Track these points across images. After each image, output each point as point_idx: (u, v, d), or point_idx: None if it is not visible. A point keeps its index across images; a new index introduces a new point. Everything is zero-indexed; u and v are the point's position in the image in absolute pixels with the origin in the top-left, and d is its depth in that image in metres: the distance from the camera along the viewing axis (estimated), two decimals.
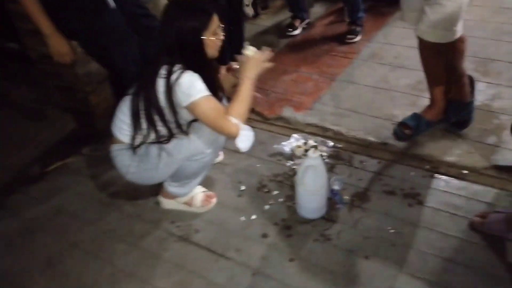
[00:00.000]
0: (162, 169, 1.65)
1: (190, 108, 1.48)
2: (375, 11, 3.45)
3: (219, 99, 1.59)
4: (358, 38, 3.11)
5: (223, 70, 1.83)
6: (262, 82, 2.73)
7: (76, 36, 1.89)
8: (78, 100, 2.40)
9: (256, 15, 3.73)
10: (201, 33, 1.48)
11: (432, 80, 2.05)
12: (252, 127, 2.35)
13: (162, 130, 1.56)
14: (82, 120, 2.47)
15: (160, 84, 1.48)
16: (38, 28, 1.79)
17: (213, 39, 1.51)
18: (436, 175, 1.91)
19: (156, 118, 1.53)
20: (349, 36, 3.11)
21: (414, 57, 2.75)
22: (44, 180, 2.18)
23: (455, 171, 1.91)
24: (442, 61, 1.94)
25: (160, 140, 1.59)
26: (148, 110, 1.52)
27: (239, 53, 1.69)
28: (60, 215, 1.96)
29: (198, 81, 1.48)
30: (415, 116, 2.19)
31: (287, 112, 2.46)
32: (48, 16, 1.77)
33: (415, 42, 2.94)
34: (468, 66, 2.54)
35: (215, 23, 1.51)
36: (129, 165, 1.66)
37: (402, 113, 2.30)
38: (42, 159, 2.30)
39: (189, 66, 1.49)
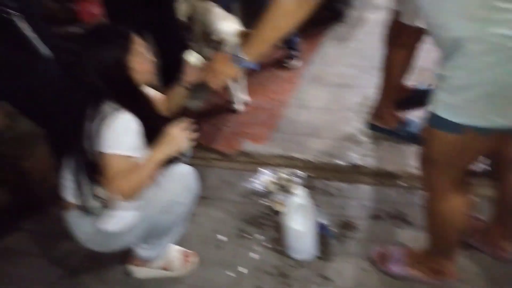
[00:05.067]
0: (132, 229, 1.43)
1: (102, 155, 1.30)
2: (304, 34, 3.50)
3: (156, 129, 1.38)
4: (296, 62, 3.12)
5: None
6: (212, 118, 2.61)
7: (5, 96, 1.61)
8: (7, 168, 2.05)
9: (189, 48, 3.59)
10: (124, 60, 1.32)
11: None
12: (213, 167, 2.25)
13: None
14: (15, 190, 2.12)
15: (91, 130, 1.30)
16: None
17: (140, 62, 1.35)
18: (412, 190, 1.91)
19: (94, 171, 1.34)
20: (287, 61, 3.11)
21: (355, 76, 2.86)
22: None
23: None
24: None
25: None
26: (85, 163, 1.34)
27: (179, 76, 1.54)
28: None
29: (131, 131, 1.30)
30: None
31: (247, 145, 2.35)
32: None
33: (352, 61, 3.08)
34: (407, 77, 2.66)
35: (137, 43, 1.35)
36: (90, 232, 1.42)
37: (361, 131, 2.32)
38: None
39: (120, 100, 1.32)
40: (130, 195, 1.32)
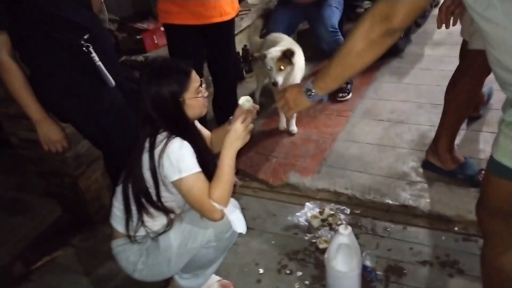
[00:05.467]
0: (175, 262, 1.43)
1: (177, 183, 1.32)
2: None
3: (207, 160, 1.43)
4: (349, 96, 3.08)
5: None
6: (261, 147, 2.61)
7: (70, 119, 1.72)
8: (65, 185, 2.17)
9: (242, 78, 3.70)
10: (180, 96, 1.35)
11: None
12: (258, 197, 2.24)
13: (156, 213, 1.39)
14: (69, 206, 2.23)
15: (145, 160, 1.34)
16: (26, 113, 1.61)
17: (195, 99, 1.38)
18: (469, 237, 1.77)
19: (144, 201, 1.37)
20: (340, 94, 3.07)
21: (410, 112, 2.76)
22: (29, 280, 1.89)
23: None
24: None
25: (166, 229, 1.40)
26: (136, 192, 1.37)
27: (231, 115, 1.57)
28: None
29: (188, 152, 1.33)
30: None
31: (294, 177, 2.31)
32: (38, 99, 1.61)
33: (407, 97, 2.99)
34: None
35: (195, 80, 1.38)
36: (136, 261, 1.44)
37: (415, 170, 2.21)
38: (26, 255, 2.02)
39: (173, 131, 1.35)
40: (227, 199, 1.37)
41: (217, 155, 1.55)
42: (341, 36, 3.02)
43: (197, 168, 1.33)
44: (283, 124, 2.79)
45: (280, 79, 2.45)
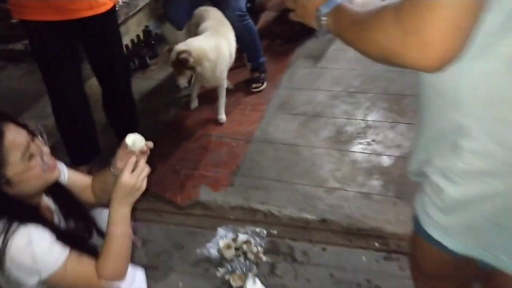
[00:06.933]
0: None
1: (45, 281, 1.01)
2: (273, 50, 3.25)
3: (83, 231, 1.20)
4: (264, 86, 2.85)
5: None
6: (166, 156, 2.31)
7: None
8: None
9: (146, 66, 3.30)
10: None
11: None
12: (164, 222, 1.96)
13: None
14: None
15: None
16: None
17: (25, 171, 1.00)
18: (389, 255, 1.67)
19: None
20: (254, 85, 2.83)
21: (325, 103, 2.61)
22: None
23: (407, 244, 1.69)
24: None
25: None
26: None
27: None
28: None
29: (42, 243, 0.99)
30: None
31: (204, 193, 2.06)
32: None
33: (322, 84, 2.83)
34: (382, 105, 2.45)
35: (16, 145, 0.98)
36: None
37: (332, 175, 2.07)
38: None
39: (12, 219, 1.00)
40: (123, 272, 1.12)
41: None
42: (249, 20, 2.73)
43: (63, 256, 1.01)
44: (194, 103, 2.68)
45: (182, 82, 2.18)
